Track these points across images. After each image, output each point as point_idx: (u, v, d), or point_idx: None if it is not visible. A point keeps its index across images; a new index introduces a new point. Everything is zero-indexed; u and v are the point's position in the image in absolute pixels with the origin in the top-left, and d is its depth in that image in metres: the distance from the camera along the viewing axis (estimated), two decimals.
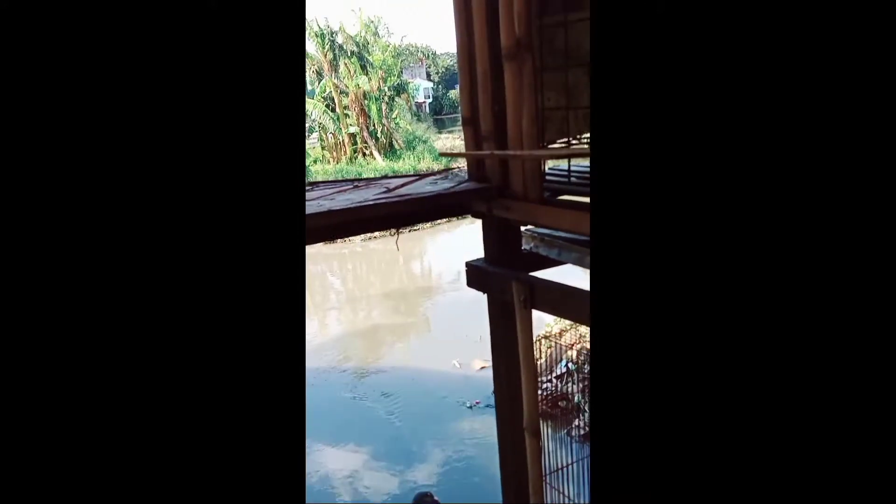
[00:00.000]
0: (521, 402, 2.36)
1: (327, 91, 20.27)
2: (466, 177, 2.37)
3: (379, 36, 20.99)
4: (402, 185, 2.20)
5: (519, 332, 2.24)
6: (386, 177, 2.93)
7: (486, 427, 6.24)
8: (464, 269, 2.44)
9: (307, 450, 6.24)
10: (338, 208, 1.94)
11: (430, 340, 10.06)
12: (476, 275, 2.39)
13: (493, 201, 2.20)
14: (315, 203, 2.08)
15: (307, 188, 2.47)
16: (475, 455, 5.97)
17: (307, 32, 19.72)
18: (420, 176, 2.29)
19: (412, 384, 8.09)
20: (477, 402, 7.13)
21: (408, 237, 15.00)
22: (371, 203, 1.97)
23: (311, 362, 8.87)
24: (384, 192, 2.14)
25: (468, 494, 5.02)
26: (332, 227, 1.98)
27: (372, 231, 2.02)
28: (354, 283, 14.15)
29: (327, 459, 6.19)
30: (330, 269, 14.70)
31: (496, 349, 2.50)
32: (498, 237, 2.38)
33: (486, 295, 2.45)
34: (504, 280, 2.23)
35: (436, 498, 3.32)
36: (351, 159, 20.31)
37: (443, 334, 9.85)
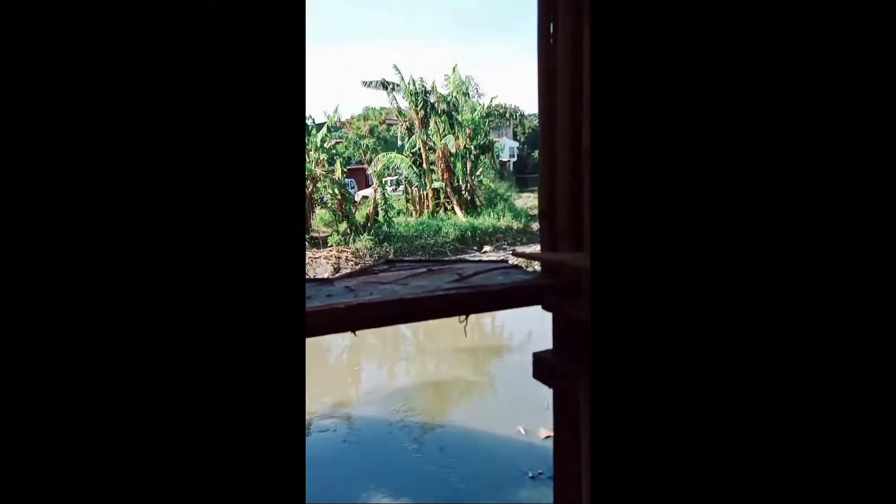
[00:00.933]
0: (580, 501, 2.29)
1: (416, 147, 21.01)
2: (539, 269, 2.40)
3: (469, 96, 21.67)
4: (474, 275, 2.25)
5: (582, 432, 2.20)
6: (461, 260, 2.98)
7: (547, 499, 5.99)
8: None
9: (367, 498, 6.22)
10: (410, 296, 2.00)
11: (495, 401, 9.89)
12: (543, 367, 2.37)
13: (564, 298, 2.21)
14: (388, 288, 2.16)
15: (384, 267, 2.56)
16: None
17: (403, 90, 20.66)
18: (494, 265, 2.33)
19: (475, 445, 7.94)
20: (540, 473, 6.88)
21: None
22: (442, 293, 2.02)
23: (376, 412, 8.91)
24: (456, 281, 2.19)
25: None
26: (403, 313, 2.04)
27: (442, 317, 2.07)
28: (426, 335, 14.21)
29: None
30: None
31: (559, 445, 2.45)
32: (568, 331, 2.36)
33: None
34: (571, 377, 2.20)
35: None
36: (433, 213, 20.78)
37: (509, 396, 9.65)
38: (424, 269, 2.39)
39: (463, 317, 2.21)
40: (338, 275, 2.64)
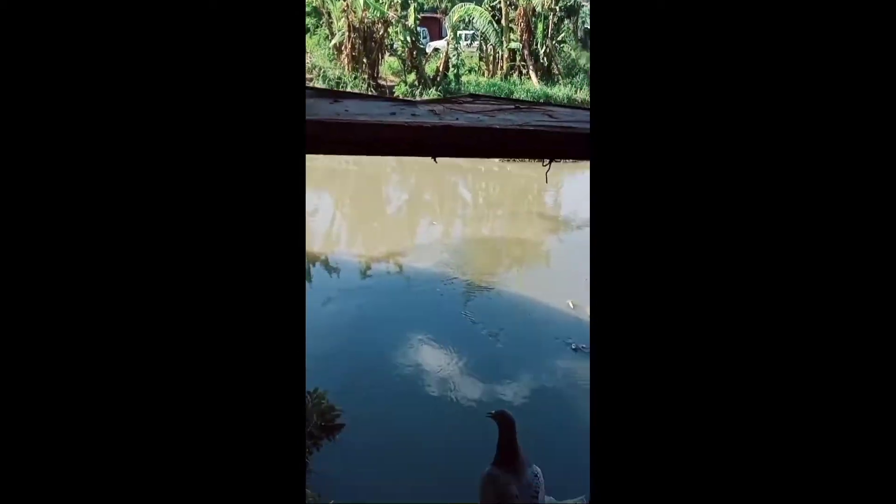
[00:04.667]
0: None
1: (496, 1, 19.62)
2: None
3: None
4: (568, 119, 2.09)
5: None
6: (549, 103, 2.80)
7: (585, 372, 6.19)
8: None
9: (410, 341, 6.60)
10: (498, 127, 1.88)
11: (547, 274, 10.00)
12: None
13: None
14: (475, 117, 2.03)
15: (469, 99, 2.42)
16: (568, 395, 5.99)
17: None
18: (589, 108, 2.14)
19: (521, 312, 8.15)
20: (582, 347, 7.07)
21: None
22: (532, 128, 1.89)
23: (430, 265, 9.21)
24: (549, 119, 2.04)
25: (552, 427, 5.07)
26: (490, 145, 1.93)
27: (528, 157, 1.96)
28: (485, 201, 14.21)
29: (427, 359, 6.51)
30: (464, 182, 14.84)
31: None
32: None
33: None
34: None
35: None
36: (506, 76, 19.84)
37: (561, 271, 9.72)
38: (512, 107, 2.24)
39: (546, 161, 2.09)
40: (422, 98, 2.53)
